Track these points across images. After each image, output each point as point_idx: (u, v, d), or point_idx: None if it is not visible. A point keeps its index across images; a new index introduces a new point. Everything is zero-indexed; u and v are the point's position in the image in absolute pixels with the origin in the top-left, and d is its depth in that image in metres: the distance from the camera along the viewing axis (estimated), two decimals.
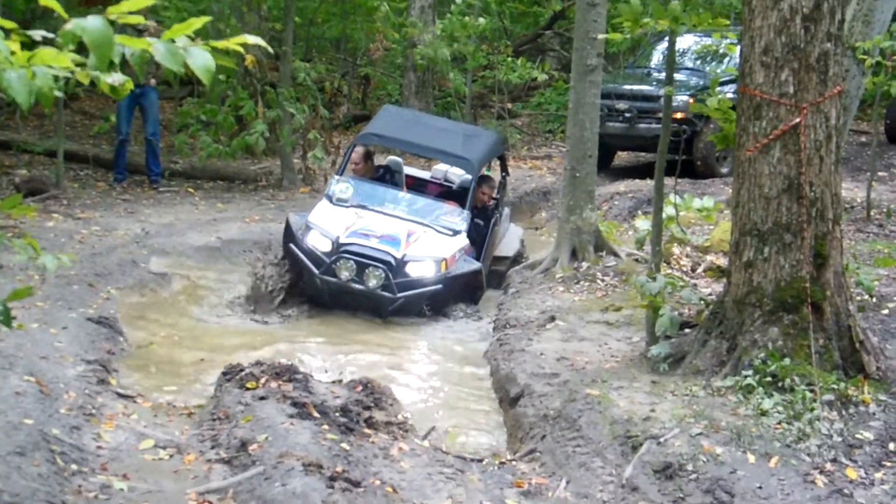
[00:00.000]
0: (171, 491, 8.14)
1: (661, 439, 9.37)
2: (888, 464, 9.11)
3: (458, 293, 15.22)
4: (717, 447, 9.06)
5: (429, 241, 15.15)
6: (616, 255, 16.14)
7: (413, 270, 14.79)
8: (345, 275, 14.53)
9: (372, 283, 14.51)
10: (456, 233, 15.55)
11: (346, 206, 15.62)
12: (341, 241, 14.76)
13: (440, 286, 14.84)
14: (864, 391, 10.12)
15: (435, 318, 15.05)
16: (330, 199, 15.90)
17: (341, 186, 16.03)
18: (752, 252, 10.69)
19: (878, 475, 8.90)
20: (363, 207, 15.61)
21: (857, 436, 9.44)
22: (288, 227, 15.39)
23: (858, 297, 12.48)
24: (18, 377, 9.48)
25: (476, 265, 15.52)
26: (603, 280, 15.23)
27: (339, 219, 15.21)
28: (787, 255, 10.55)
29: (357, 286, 14.52)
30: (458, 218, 15.74)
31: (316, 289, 14.75)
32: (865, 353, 10.60)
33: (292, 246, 15.04)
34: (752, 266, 10.68)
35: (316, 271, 14.60)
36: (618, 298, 14.33)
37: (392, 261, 14.62)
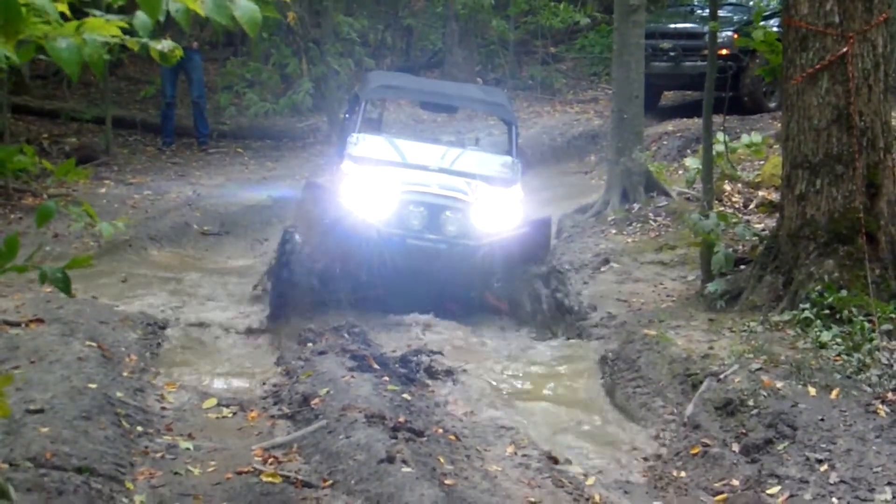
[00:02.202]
0: (236, 448, 8.22)
1: (721, 376, 9.39)
2: None
3: (529, 247, 12.35)
4: (777, 381, 9.07)
5: (488, 193, 12.40)
6: (667, 194, 16.09)
7: (486, 219, 12.14)
8: (415, 223, 11.92)
9: (451, 228, 11.92)
10: (511, 183, 12.78)
11: (377, 165, 12.59)
12: (398, 190, 12.05)
13: (520, 233, 12.24)
14: None
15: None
16: (354, 159, 12.79)
17: (365, 144, 12.99)
18: (804, 185, 10.67)
19: None
20: (398, 165, 12.68)
21: None
22: (313, 190, 13.10)
23: None
24: (80, 342, 9.56)
25: (545, 216, 13.27)
26: (655, 220, 15.19)
27: (379, 177, 12.32)
28: (840, 187, 10.53)
29: (432, 236, 11.89)
30: (510, 167, 12.99)
31: (371, 259, 11.79)
32: None
33: (332, 207, 12.16)
34: (804, 199, 10.66)
35: (377, 226, 11.78)
36: (671, 238, 14.30)
37: (469, 199, 12.14)
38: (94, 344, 9.59)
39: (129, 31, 4.29)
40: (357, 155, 12.80)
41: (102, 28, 4.17)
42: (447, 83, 17.54)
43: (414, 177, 12.35)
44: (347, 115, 14.50)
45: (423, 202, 12.03)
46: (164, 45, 4.34)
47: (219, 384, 9.90)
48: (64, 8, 4.18)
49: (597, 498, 7.80)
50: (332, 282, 11.90)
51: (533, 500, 7.57)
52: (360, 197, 12.07)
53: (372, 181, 12.24)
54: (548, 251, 13.20)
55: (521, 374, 10.70)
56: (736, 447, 8.60)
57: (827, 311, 10.11)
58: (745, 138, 15.68)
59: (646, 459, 8.79)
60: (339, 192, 12.36)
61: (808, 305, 10.22)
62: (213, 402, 9.25)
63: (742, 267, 11.73)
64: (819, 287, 10.30)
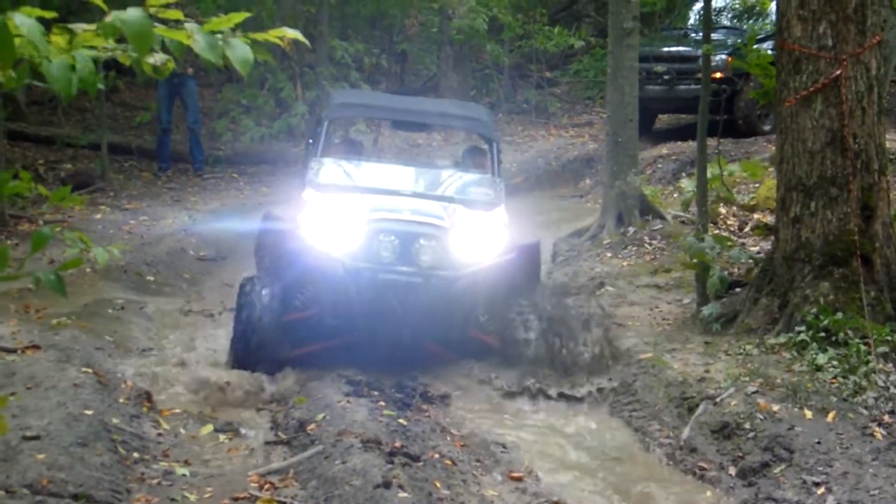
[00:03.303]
0: (232, 474, 8.21)
1: (717, 399, 9.41)
2: None
3: (516, 275, 11.29)
4: (773, 404, 9.08)
5: (468, 218, 11.07)
6: (662, 218, 16.11)
7: (465, 246, 10.77)
8: (386, 255, 10.49)
9: (426, 258, 10.50)
10: (494, 206, 11.45)
11: (342, 192, 11.27)
12: (366, 217, 10.69)
13: (505, 260, 11.03)
14: None
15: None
16: (317, 186, 11.44)
17: (328, 169, 11.67)
18: (798, 207, 10.69)
19: None
20: (366, 191, 11.28)
21: None
22: (269, 227, 11.89)
23: None
24: (76, 369, 9.54)
25: (534, 240, 12.21)
26: (650, 244, 15.20)
27: (344, 205, 10.95)
28: (834, 209, 10.55)
29: (405, 268, 10.48)
30: (492, 188, 11.73)
31: (338, 300, 10.73)
32: None
33: (292, 241, 11.03)
34: (799, 221, 10.68)
35: (342, 259, 10.47)
36: (666, 261, 14.31)
37: (445, 225, 10.74)
38: (89, 370, 9.58)
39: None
40: (320, 182, 11.47)
41: (93, 40, 4.18)
42: (421, 99, 16.23)
43: (383, 203, 10.97)
44: (311, 141, 12.79)
45: (394, 230, 10.58)
46: (157, 58, 4.35)
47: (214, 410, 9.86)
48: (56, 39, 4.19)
49: None
50: (295, 332, 10.87)
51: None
52: (322, 228, 10.71)
53: (335, 209, 10.87)
54: (537, 279, 12.16)
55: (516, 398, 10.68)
56: (733, 470, 8.61)
57: (823, 334, 10.11)
58: (734, 167, 15.76)
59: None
60: (299, 223, 10.99)
61: (803, 328, 10.23)
62: (209, 428, 9.25)
63: (737, 290, 11.73)
64: (815, 309, 10.31)
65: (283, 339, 10.70)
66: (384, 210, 10.80)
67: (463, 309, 10.91)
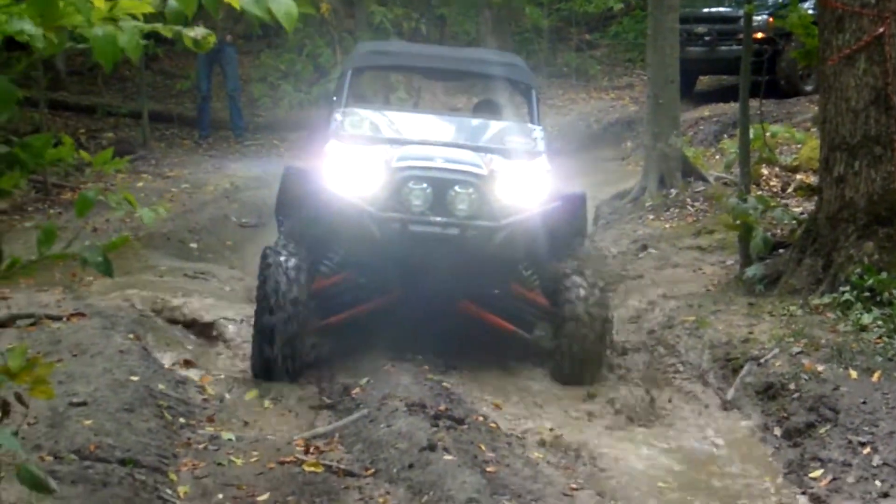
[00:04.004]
0: (278, 438, 8.25)
1: (762, 360, 9.38)
2: None
3: (561, 226, 10.35)
4: (818, 365, 9.03)
5: (508, 166, 10.18)
6: (704, 179, 16.05)
7: (505, 194, 9.90)
8: (417, 204, 9.66)
9: (462, 207, 9.64)
10: (536, 154, 10.55)
11: (366, 144, 10.40)
12: (394, 165, 9.82)
13: (549, 210, 10.05)
14: None
15: None
16: (341, 137, 10.53)
17: (353, 119, 10.80)
18: (842, 167, 10.62)
19: None
20: (395, 142, 10.41)
21: None
22: (292, 176, 10.82)
23: None
24: (121, 335, 9.61)
25: (579, 191, 11.18)
26: (693, 206, 15.15)
27: (370, 155, 10.09)
28: (878, 168, 10.47)
29: (439, 219, 9.62)
30: (531, 136, 10.84)
31: (367, 255, 9.90)
32: None
33: (316, 195, 10.16)
34: (843, 181, 10.61)
35: (369, 210, 9.60)
36: (709, 223, 14.26)
37: (482, 172, 9.84)
38: (133, 336, 9.63)
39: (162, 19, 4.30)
40: (345, 132, 10.57)
41: (136, 7, 4.18)
42: (452, 48, 14.95)
43: (412, 151, 10.09)
44: (336, 98, 11.89)
45: (426, 178, 9.72)
46: (197, 31, 4.34)
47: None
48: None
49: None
50: (323, 300, 10.09)
51: (574, 486, 7.58)
52: (346, 178, 9.86)
53: (360, 158, 10.02)
54: (584, 233, 11.28)
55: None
56: (778, 431, 8.59)
57: (867, 294, 10.06)
58: (776, 127, 15.67)
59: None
60: (323, 175, 10.13)
61: (847, 288, 10.18)
62: (254, 393, 9.28)
63: (781, 251, 11.69)
64: (859, 269, 10.25)
65: (310, 314, 9.85)
66: (414, 157, 9.92)
67: (503, 263, 9.97)
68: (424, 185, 9.67)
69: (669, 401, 9.39)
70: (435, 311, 10.05)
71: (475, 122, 11.48)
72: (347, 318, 10.13)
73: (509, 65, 12.13)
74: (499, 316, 10.22)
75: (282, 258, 9.69)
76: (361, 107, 11.49)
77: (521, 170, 10.13)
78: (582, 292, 9.93)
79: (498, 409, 9.06)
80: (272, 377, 9.58)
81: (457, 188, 9.68)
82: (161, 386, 8.72)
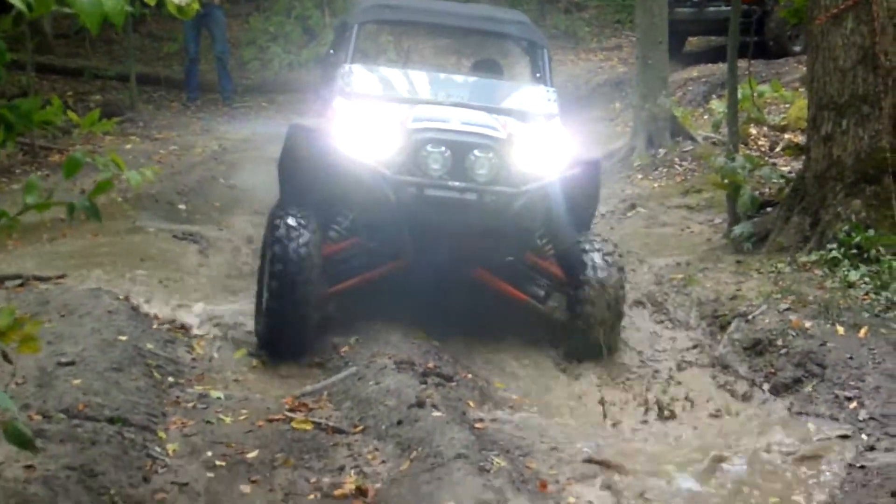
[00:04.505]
0: (267, 396, 8.26)
1: (750, 317, 9.41)
2: None
3: (577, 195, 9.92)
4: (805, 321, 9.07)
5: (525, 130, 9.75)
6: (693, 139, 16.07)
7: (526, 159, 9.40)
8: (435, 168, 9.14)
9: (482, 172, 9.15)
10: (550, 117, 10.30)
11: (379, 102, 10.00)
12: (410, 127, 9.27)
13: (568, 177, 9.65)
14: None
15: None
16: (348, 95, 10.11)
17: (360, 76, 10.40)
18: (830, 126, 10.64)
19: None
20: (404, 101, 10.01)
21: None
22: (298, 135, 9.94)
23: None
24: (110, 296, 9.59)
25: (594, 157, 10.85)
26: (681, 165, 15.18)
27: (382, 114, 9.59)
28: (866, 127, 10.50)
29: (457, 184, 9.12)
30: (545, 98, 10.55)
31: (380, 219, 9.35)
32: None
33: (326, 155, 9.50)
34: (830, 140, 10.63)
35: (384, 173, 9.09)
36: (697, 182, 14.30)
37: (501, 136, 9.33)
38: (122, 296, 9.62)
39: None
40: (351, 90, 10.12)
41: None
42: (458, 4, 13.04)
43: (427, 112, 9.58)
44: (333, 51, 11.77)
45: (444, 140, 9.18)
46: None
47: (248, 334, 9.83)
48: None
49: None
50: (333, 266, 9.54)
51: (564, 441, 7.62)
52: (359, 138, 9.30)
53: (372, 118, 9.48)
54: (597, 200, 10.77)
55: None
56: (766, 386, 8.63)
57: (854, 251, 10.11)
58: (764, 87, 15.68)
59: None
60: (333, 134, 9.52)
61: (835, 245, 10.22)
62: (242, 352, 9.26)
63: (769, 209, 11.72)
64: (846, 227, 10.29)
65: (323, 281, 9.26)
66: (430, 119, 9.37)
67: (521, 230, 9.47)
68: (443, 149, 9.14)
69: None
70: (445, 279, 9.63)
71: (488, 82, 11.02)
72: (355, 284, 9.63)
73: (519, 23, 11.61)
74: (512, 285, 9.85)
75: (292, 227, 9.07)
76: (368, 63, 11.02)
77: (539, 134, 9.72)
78: (599, 261, 9.63)
79: (488, 367, 9.07)
80: (281, 354, 9.17)
81: (476, 152, 9.16)
82: (150, 345, 8.71)
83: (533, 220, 9.47)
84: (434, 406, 7.56)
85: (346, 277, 9.61)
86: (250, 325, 9.65)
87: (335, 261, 9.57)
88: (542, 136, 9.70)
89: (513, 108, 10.21)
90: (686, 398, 8.69)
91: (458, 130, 9.26)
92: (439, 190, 9.10)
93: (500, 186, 9.15)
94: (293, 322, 9.01)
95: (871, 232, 10.16)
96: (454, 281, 9.65)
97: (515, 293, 9.83)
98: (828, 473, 7.17)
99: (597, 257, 9.63)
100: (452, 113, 9.56)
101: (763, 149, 15.10)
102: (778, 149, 15.03)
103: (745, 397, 8.69)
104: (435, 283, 9.56)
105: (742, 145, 13.95)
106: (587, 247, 9.74)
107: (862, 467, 7.11)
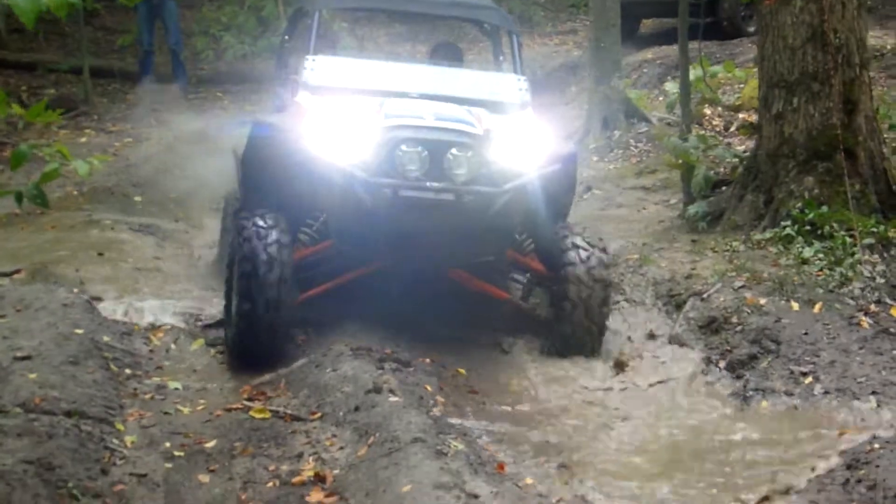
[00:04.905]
0: (224, 386, 8.25)
1: (705, 295, 9.47)
2: None
3: (555, 191, 9.50)
4: (760, 298, 9.15)
5: (500, 123, 9.28)
6: (647, 121, 16.12)
7: (506, 156, 8.94)
8: (412, 169, 8.60)
9: (461, 172, 8.64)
10: (522, 106, 9.95)
11: (341, 95, 9.53)
12: (383, 125, 8.73)
13: (548, 174, 9.16)
14: None
15: None
16: (312, 89, 9.73)
17: (324, 67, 9.92)
18: (781, 104, 10.72)
19: None
20: (372, 93, 9.49)
21: None
22: (261, 134, 9.51)
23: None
24: (66, 289, 9.56)
25: (570, 148, 10.36)
26: (636, 146, 15.23)
27: (351, 109, 9.11)
28: (817, 104, 10.57)
29: (434, 184, 8.61)
30: (517, 87, 10.13)
31: (354, 223, 8.83)
32: None
33: (293, 154, 8.99)
34: (782, 118, 10.71)
35: (358, 175, 8.54)
36: (652, 163, 14.36)
37: (478, 132, 8.81)
38: (77, 290, 9.59)
39: None
40: (315, 83, 9.71)
41: None
42: None
43: (398, 107, 9.03)
44: (288, 38, 11.38)
45: (420, 139, 8.65)
46: None
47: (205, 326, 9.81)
48: None
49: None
50: (303, 271, 9.04)
51: (524, 408, 7.69)
52: (328, 136, 8.77)
53: (343, 114, 8.98)
54: (574, 192, 10.28)
55: None
56: (722, 364, 8.68)
57: (808, 228, 10.18)
58: (718, 68, 15.76)
59: None
60: (300, 133, 8.98)
61: (788, 222, 10.29)
62: (200, 342, 9.25)
63: (723, 188, 11.77)
64: (799, 204, 10.36)
65: (293, 286, 8.73)
66: (403, 115, 8.84)
67: (500, 230, 9.02)
68: (419, 148, 8.61)
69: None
70: (421, 280, 9.26)
71: (458, 71, 10.46)
72: (328, 289, 9.12)
73: (487, 8, 11.11)
74: (491, 284, 9.56)
75: (261, 227, 8.62)
76: (329, 53, 10.36)
77: (515, 127, 9.30)
78: (583, 254, 9.23)
79: (445, 353, 9.05)
80: (254, 361, 8.61)
81: (454, 151, 8.64)
82: (106, 338, 8.68)
83: (513, 218, 9.07)
84: (391, 391, 7.57)
85: (317, 283, 9.12)
86: (207, 314, 9.67)
87: (306, 265, 9.06)
88: (519, 129, 9.29)
89: (485, 98, 9.80)
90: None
91: (434, 127, 8.74)
92: (415, 191, 8.58)
93: (479, 186, 8.67)
94: (265, 325, 8.48)
95: (825, 208, 10.23)
96: (431, 282, 9.29)
97: (496, 292, 9.56)
98: None
99: (582, 253, 9.22)
100: (425, 107, 9.06)
101: (718, 129, 15.17)
102: (732, 128, 15.10)
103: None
104: (408, 283, 9.21)
105: (696, 126, 14.03)
106: (569, 239, 9.33)
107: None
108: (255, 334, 8.53)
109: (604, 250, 9.41)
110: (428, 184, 8.55)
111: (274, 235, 8.55)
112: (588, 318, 9.15)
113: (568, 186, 9.79)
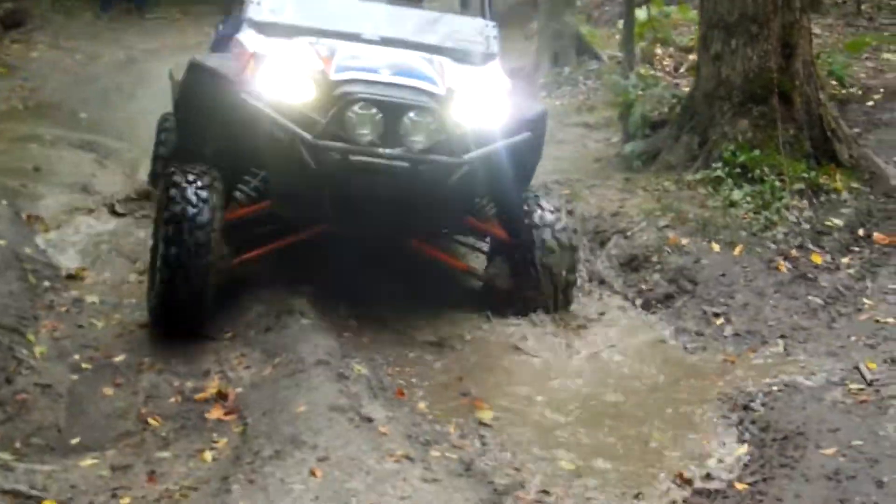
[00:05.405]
0: (141, 302, 8.22)
1: (629, 233, 9.50)
2: (856, 248, 9.28)
3: (522, 156, 8.63)
4: (682, 238, 9.20)
5: (463, 77, 8.39)
6: (598, 58, 16.13)
7: (468, 119, 8.08)
8: (364, 133, 7.75)
9: (419, 139, 7.81)
10: (488, 57, 9.06)
11: (290, 36, 8.47)
12: (334, 78, 7.83)
13: (516, 141, 8.32)
14: (836, 179, 10.21)
15: None
16: (258, 27, 8.67)
17: (273, 3, 8.84)
18: (719, 45, 10.72)
19: (845, 260, 9.07)
20: (324, 34, 8.50)
21: (827, 223, 9.61)
22: (200, 75, 8.50)
23: (845, 91, 12.55)
24: None
25: (539, 107, 9.62)
26: (585, 84, 15.24)
27: (298, 58, 8.08)
28: (755, 47, 10.56)
29: (387, 151, 7.74)
30: (484, 34, 9.19)
31: (298, 189, 7.99)
32: (837, 142, 10.69)
33: (233, 106, 7.97)
34: (719, 59, 10.71)
35: (308, 137, 7.65)
36: (598, 101, 14.34)
37: (439, 92, 7.96)
38: (5, 202, 9.58)
39: None
40: (261, 19, 8.71)
41: None
42: None
43: (351, 56, 8.08)
44: None
45: (374, 101, 7.76)
46: None
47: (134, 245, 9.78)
48: None
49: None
50: (238, 232, 8.09)
51: (432, 339, 7.74)
52: (272, 87, 7.85)
53: (290, 60, 8.02)
54: (540, 155, 9.22)
55: None
56: (638, 302, 8.74)
57: (739, 171, 10.18)
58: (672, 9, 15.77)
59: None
60: (242, 79, 8.06)
61: (720, 165, 10.29)
62: (123, 259, 9.26)
63: (663, 129, 11.78)
64: (732, 147, 10.36)
65: (224, 250, 7.85)
66: (357, 69, 7.92)
67: (460, 201, 8.34)
68: (374, 111, 7.75)
69: None
70: (372, 248, 8.45)
71: (419, 13, 9.42)
72: (263, 253, 8.23)
73: None
74: (448, 253, 9.04)
75: (189, 186, 7.67)
76: None
77: (481, 84, 8.35)
78: (549, 217, 8.57)
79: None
80: (177, 322, 7.70)
81: (412, 115, 7.81)
82: (28, 250, 8.70)
83: (473, 188, 8.32)
84: (302, 313, 7.62)
85: (253, 245, 8.20)
86: (137, 236, 9.66)
87: (240, 226, 8.15)
88: (485, 86, 8.34)
89: (449, 45, 8.87)
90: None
91: (391, 84, 7.85)
92: (367, 157, 7.72)
93: (438, 155, 7.85)
94: (189, 295, 7.59)
95: (757, 152, 10.24)
96: (383, 250, 8.57)
97: (453, 262, 8.99)
98: None
99: (548, 216, 8.57)
100: (381, 57, 8.19)
101: (668, 69, 15.16)
102: (682, 69, 15.10)
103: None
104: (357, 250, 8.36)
105: (647, 66, 14.05)
106: (535, 205, 8.65)
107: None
108: (178, 304, 7.61)
109: (570, 213, 9.01)
110: (381, 150, 7.72)
111: (203, 182, 7.72)
112: (554, 285, 8.54)
113: (536, 148, 8.91)
